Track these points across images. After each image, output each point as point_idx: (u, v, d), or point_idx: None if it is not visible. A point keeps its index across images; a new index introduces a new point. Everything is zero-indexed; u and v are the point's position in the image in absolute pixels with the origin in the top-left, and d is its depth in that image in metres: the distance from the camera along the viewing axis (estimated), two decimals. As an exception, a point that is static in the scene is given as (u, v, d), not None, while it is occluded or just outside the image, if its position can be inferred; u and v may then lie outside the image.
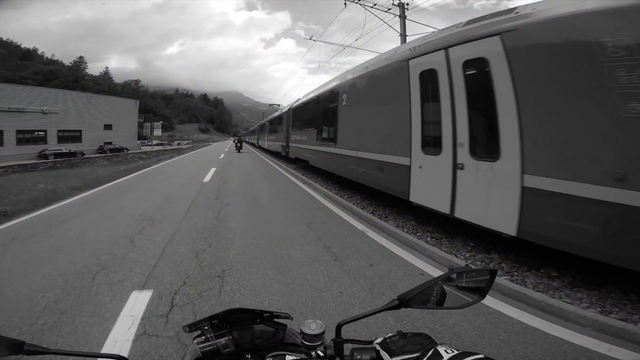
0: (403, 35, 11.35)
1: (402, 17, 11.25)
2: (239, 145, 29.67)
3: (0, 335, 0.64)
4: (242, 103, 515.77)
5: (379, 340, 0.77)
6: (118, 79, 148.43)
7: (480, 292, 0.80)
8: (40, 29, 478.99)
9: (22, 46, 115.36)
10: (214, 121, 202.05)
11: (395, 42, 11.37)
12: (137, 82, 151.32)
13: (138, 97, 79.68)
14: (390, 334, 0.77)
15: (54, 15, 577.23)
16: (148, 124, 55.38)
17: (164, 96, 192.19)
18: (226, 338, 0.79)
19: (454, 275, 0.79)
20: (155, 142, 79.20)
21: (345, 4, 11.52)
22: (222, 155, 25.39)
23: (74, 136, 39.33)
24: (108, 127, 44.28)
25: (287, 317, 0.86)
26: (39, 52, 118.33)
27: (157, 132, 55.78)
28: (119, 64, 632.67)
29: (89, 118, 40.60)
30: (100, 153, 40.73)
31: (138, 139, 56.15)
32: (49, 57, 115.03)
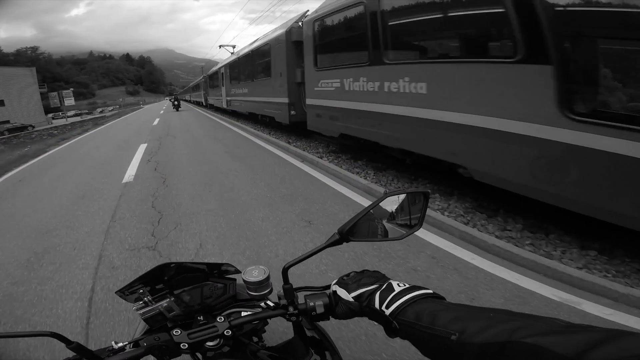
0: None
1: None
2: (176, 103, 28.11)
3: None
4: (175, 60, 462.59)
5: (335, 280, 0.72)
6: (9, 49, 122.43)
7: (416, 218, 0.76)
8: None
9: None
10: (143, 81, 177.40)
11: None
12: (34, 48, 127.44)
13: (38, 66, 64.40)
14: (344, 274, 0.72)
15: None
16: (55, 94, 44.52)
17: (75, 61, 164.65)
18: (167, 300, 0.72)
19: (388, 200, 0.73)
20: (71, 112, 65.17)
21: None
22: (157, 120, 17.90)
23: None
24: (-2, 103, 33.60)
25: (235, 270, 0.82)
26: None
27: (69, 100, 45.04)
28: (8, 33, 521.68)
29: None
30: (-5, 136, 30.52)
31: (47, 113, 45.75)
32: None
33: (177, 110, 26.94)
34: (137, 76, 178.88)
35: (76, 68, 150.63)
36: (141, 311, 0.70)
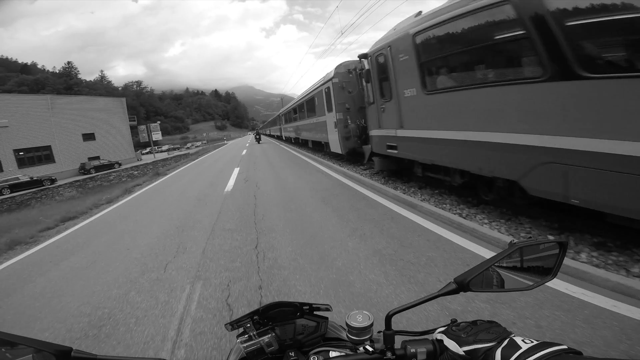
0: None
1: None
2: (257, 137, 34.11)
3: (46, 342, 0.58)
4: (255, 96, 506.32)
5: (442, 329, 0.67)
6: (121, 84, 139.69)
7: (549, 268, 0.70)
8: (36, 44, 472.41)
9: (19, 61, 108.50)
10: (229, 117, 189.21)
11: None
12: (139, 83, 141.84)
13: (142, 100, 70.36)
14: (451, 322, 0.67)
15: (44, 29, 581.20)
16: (143, 127, 43.78)
17: (174, 97, 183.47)
18: (269, 335, 0.76)
19: (516, 251, 0.68)
20: (165, 147, 67.84)
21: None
22: (240, 160, 14.82)
23: (42, 156, 28.99)
24: (89, 136, 33.59)
25: (327, 308, 0.82)
26: (39, 66, 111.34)
27: (157, 135, 44.73)
28: (127, 71, 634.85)
29: (58, 128, 29.95)
30: (84, 174, 30.42)
31: (137, 148, 45.91)
32: (50, 69, 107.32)
33: (259, 142, 31.92)
34: (224, 111, 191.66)
35: (174, 103, 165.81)
36: (245, 344, 0.74)
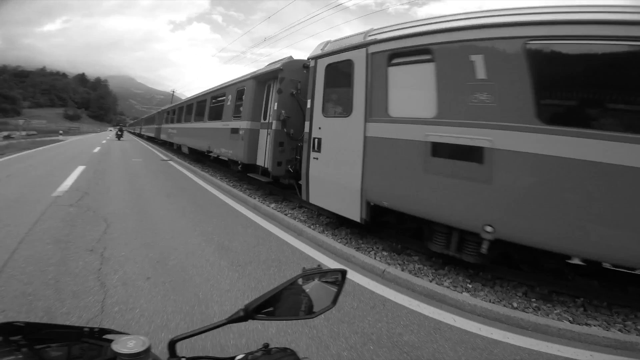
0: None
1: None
2: (119, 133, 30.95)
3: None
4: (133, 89, 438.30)
5: (241, 356, 0.69)
6: None
7: (333, 296, 0.77)
8: None
9: None
10: (90, 106, 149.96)
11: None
12: None
13: None
14: (254, 350, 0.70)
15: None
16: None
17: (19, 73, 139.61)
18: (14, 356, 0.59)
19: (302, 279, 0.74)
20: None
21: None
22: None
23: None
24: None
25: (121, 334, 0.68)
26: None
27: None
28: None
29: None
30: None
31: None
32: None
33: (119, 139, 28.95)
34: (85, 99, 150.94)
35: (15, 80, 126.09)
36: None
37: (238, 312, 0.67)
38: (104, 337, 0.69)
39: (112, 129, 72.99)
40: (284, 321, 0.76)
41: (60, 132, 40.41)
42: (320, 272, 0.74)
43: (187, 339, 0.65)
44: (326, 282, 0.75)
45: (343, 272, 0.77)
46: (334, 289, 0.76)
